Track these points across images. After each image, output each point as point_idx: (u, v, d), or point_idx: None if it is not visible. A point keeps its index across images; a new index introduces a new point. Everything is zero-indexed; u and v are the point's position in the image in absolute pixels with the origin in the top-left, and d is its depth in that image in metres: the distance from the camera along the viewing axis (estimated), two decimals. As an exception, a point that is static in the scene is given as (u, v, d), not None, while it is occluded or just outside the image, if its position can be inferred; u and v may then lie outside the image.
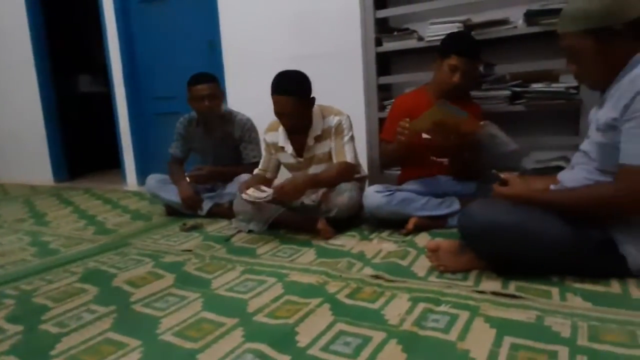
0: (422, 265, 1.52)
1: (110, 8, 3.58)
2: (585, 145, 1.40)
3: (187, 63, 3.29)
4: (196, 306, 1.32)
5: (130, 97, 3.69)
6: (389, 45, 2.46)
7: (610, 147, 1.25)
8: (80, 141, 4.58)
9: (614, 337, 1.01)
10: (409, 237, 1.85)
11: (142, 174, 3.58)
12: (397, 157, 2.09)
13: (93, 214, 2.73)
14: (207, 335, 1.14)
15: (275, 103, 1.93)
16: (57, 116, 4.23)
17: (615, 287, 1.27)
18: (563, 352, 0.97)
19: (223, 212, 2.38)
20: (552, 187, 1.44)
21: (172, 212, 2.51)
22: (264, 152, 2.23)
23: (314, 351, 1.04)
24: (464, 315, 1.15)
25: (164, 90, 3.54)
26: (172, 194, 2.44)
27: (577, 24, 1.28)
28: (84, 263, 1.79)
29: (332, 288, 1.38)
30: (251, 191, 1.88)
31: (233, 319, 1.21)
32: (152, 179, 2.50)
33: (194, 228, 2.20)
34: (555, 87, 2.08)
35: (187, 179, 2.43)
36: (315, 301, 1.28)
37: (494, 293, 1.27)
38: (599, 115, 1.32)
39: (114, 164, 4.04)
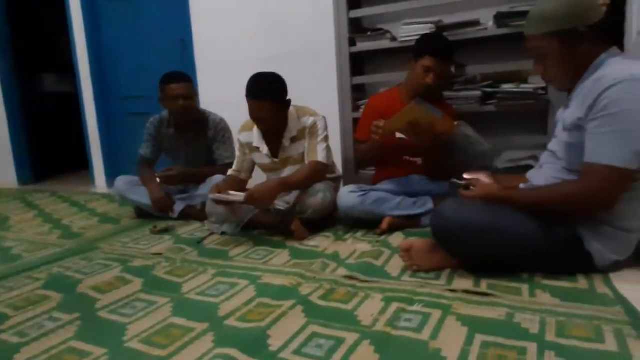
0: (395, 265, 1.52)
1: (77, 4, 3.47)
2: (552, 145, 1.43)
3: (158, 62, 3.22)
4: (165, 311, 1.28)
5: (99, 96, 3.59)
6: (363, 46, 2.46)
7: (577, 147, 1.28)
8: (47, 142, 4.41)
9: (580, 332, 1.03)
10: (383, 237, 1.85)
11: (112, 175, 3.47)
12: (371, 156, 2.09)
13: (59, 217, 2.63)
14: (175, 341, 1.11)
15: (251, 107, 1.89)
16: (21, 116, 4.06)
17: (582, 282, 1.30)
18: (532, 348, 0.98)
19: (195, 214, 2.33)
20: (521, 186, 1.46)
21: (143, 214, 2.44)
22: (238, 153, 2.19)
23: (285, 354, 1.02)
24: (436, 314, 1.15)
25: (134, 90, 3.46)
26: (142, 196, 2.38)
27: (543, 26, 1.30)
28: (48, 269, 1.72)
29: (305, 290, 1.36)
30: (221, 196, 1.85)
31: (203, 324, 1.18)
32: (121, 181, 2.43)
33: (164, 231, 2.15)
34: (525, 87, 2.13)
35: (158, 180, 2.37)
36: (288, 303, 1.27)
37: (466, 291, 1.28)
38: (565, 116, 1.36)
39: (82, 165, 3.91)
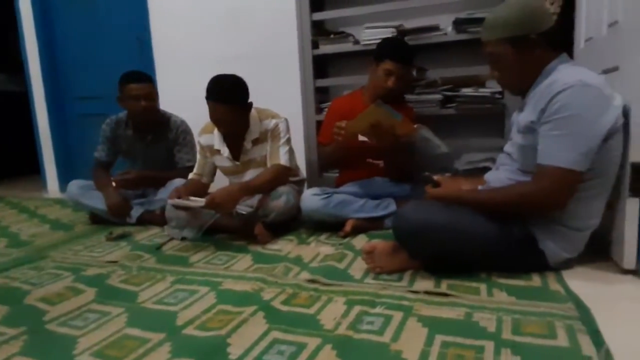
0: (358, 267, 1.52)
1: (27, -1, 3.30)
2: (507, 147, 1.48)
3: (114, 60, 3.11)
4: (119, 322, 1.22)
5: (51, 96, 3.42)
6: (326, 48, 2.47)
7: (530, 149, 1.33)
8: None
9: (534, 328, 1.06)
10: (346, 240, 1.85)
11: (65, 180, 3.31)
12: (334, 159, 2.10)
13: (6, 224, 2.47)
14: (129, 353, 1.05)
15: (211, 109, 1.85)
16: (-35, 117, 3.83)
17: (536, 280, 1.35)
18: (489, 346, 1.00)
19: (154, 219, 2.25)
20: (479, 187, 1.50)
21: (98, 220, 2.34)
22: (198, 156, 2.14)
23: (246, 363, 0.99)
24: (398, 316, 1.16)
25: (89, 90, 3.32)
26: (97, 201, 2.27)
27: (497, 32, 1.35)
28: (-8, 280, 1.61)
29: (267, 295, 1.33)
30: (181, 201, 1.80)
31: (160, 334, 1.14)
32: (74, 185, 2.31)
33: (121, 237, 2.06)
34: (482, 92, 2.20)
35: (113, 184, 2.28)
36: (249, 309, 1.24)
37: (427, 292, 1.29)
38: (519, 119, 1.40)
39: (33, 169, 3.71)
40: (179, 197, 1.82)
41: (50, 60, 3.39)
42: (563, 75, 1.29)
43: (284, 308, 1.25)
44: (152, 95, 2.29)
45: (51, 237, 2.16)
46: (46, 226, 2.39)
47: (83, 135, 3.32)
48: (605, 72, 1.46)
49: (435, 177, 1.50)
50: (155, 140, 2.36)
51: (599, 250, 1.47)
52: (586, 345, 0.98)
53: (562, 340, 1.01)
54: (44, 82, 3.39)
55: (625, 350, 0.96)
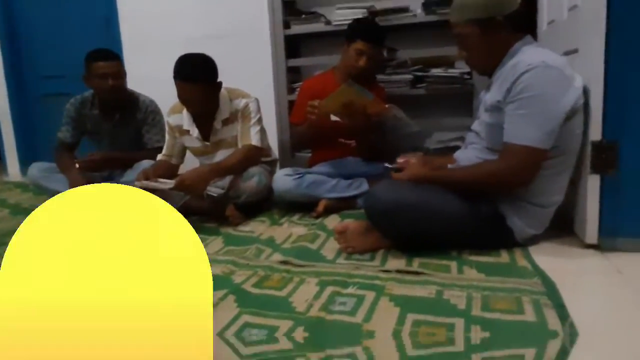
0: (331, 247, 1.52)
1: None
2: (475, 126, 1.50)
3: (79, 39, 2.98)
4: (85, 309, 1.18)
5: (11, 75, 3.26)
6: (297, 28, 2.42)
7: (497, 127, 1.35)
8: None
9: (503, 304, 1.08)
10: (319, 220, 1.85)
11: (26, 163, 3.15)
12: (307, 139, 2.08)
13: (-38, 210, 2.36)
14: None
15: (179, 89, 1.80)
16: None
17: (504, 257, 1.38)
18: (459, 323, 1.01)
19: (121, 202, 2.18)
20: (449, 166, 1.51)
21: (62, 205, 2.25)
22: (167, 136, 2.08)
23: (216, 347, 0.98)
24: (370, 296, 1.16)
25: (52, 68, 3.17)
26: (59, 184, 2.16)
27: (464, 14, 1.37)
28: (-53, 269, 1.53)
29: (238, 278, 1.32)
30: (149, 183, 1.74)
31: (128, 320, 1.11)
32: (35, 168, 2.21)
33: (86, 222, 1.99)
34: (452, 72, 2.21)
35: (77, 166, 2.19)
36: (219, 293, 1.22)
37: (399, 271, 1.30)
38: (486, 98, 1.42)
39: (-8, 152, 3.55)
40: (147, 179, 1.77)
41: (11, 36, 3.21)
42: (527, 56, 1.31)
43: (256, 291, 1.23)
44: (120, 74, 2.20)
45: (11, 223, 2.07)
46: (6, 211, 2.30)
47: (46, 116, 3.18)
48: (566, 53, 1.49)
49: (398, 161, 1.48)
50: (123, 120, 2.27)
51: (563, 226, 1.51)
52: (552, 319, 1.00)
53: (529, 316, 1.03)
54: (4, 59, 3.22)
55: (588, 322, 0.99)
